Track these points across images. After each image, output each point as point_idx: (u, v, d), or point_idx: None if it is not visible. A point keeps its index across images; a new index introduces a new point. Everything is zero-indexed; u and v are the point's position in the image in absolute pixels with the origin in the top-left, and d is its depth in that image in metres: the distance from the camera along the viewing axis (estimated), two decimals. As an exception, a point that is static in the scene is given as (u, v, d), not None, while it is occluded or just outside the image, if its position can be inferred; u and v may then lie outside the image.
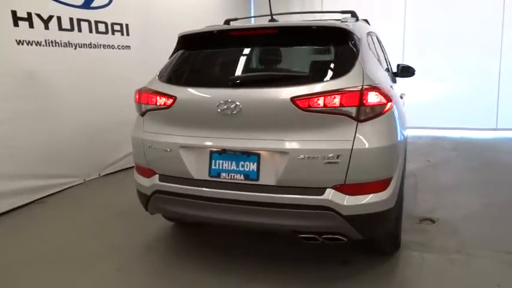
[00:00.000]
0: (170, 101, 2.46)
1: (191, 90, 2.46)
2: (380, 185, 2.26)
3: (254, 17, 3.46)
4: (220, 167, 2.39)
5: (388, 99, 2.22)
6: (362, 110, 2.16)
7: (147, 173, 2.66)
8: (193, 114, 2.44)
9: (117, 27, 5.09)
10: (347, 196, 2.21)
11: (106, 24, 4.91)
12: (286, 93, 2.21)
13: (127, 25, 5.21)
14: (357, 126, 2.18)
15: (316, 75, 2.34)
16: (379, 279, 2.58)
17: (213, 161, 2.41)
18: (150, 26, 5.64)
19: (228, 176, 2.37)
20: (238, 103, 2.25)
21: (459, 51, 7.04)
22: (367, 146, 2.17)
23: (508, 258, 2.76)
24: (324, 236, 2.31)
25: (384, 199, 2.26)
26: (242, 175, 2.34)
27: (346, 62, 2.32)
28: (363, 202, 2.22)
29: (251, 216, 2.36)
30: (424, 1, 7.31)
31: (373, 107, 2.17)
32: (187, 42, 2.74)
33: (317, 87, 2.19)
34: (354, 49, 2.38)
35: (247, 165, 2.34)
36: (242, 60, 2.60)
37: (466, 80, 7.12)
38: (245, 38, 2.57)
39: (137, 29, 5.35)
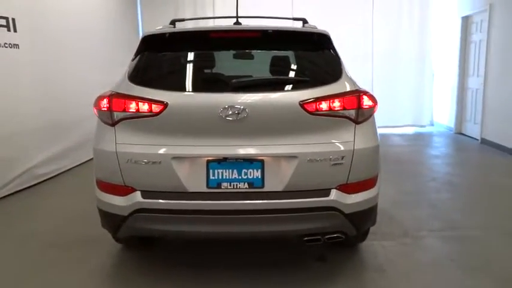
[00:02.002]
0: (159, 107, 2.19)
1: (187, 95, 2.23)
2: (371, 182, 2.43)
3: (201, 18, 3.29)
4: (220, 177, 2.24)
5: (375, 102, 2.42)
6: (360, 113, 2.30)
7: (122, 190, 2.30)
8: (189, 121, 2.22)
9: (2, 22, 4.20)
10: (348, 195, 2.31)
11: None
12: (294, 97, 2.20)
13: (13, 19, 4.35)
14: (355, 128, 2.31)
15: (315, 80, 2.38)
16: (359, 267, 2.78)
17: (211, 171, 2.23)
18: (43, 23, 4.85)
19: (230, 185, 2.23)
20: (245, 108, 2.15)
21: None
22: (364, 146, 2.32)
23: (443, 235, 3.28)
24: (326, 236, 2.38)
25: (374, 195, 2.45)
26: (246, 183, 2.23)
27: (335, 66, 2.44)
28: (360, 199, 2.36)
29: (256, 226, 2.28)
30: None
31: (367, 109, 2.33)
32: (163, 42, 2.47)
33: (321, 91, 2.24)
34: (335, 54, 2.52)
35: (250, 172, 2.24)
36: (234, 63, 2.48)
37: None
38: (234, 40, 2.46)
39: (27, 25, 4.51)
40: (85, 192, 4.40)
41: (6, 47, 4.26)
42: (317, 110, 2.21)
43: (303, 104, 2.20)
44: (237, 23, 2.83)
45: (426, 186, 4.66)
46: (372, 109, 2.38)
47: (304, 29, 2.48)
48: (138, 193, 2.26)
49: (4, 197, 4.20)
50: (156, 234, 2.44)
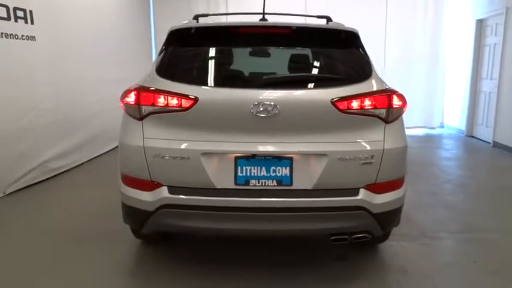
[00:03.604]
0: (189, 102, 2.17)
1: (217, 90, 2.22)
2: (399, 183, 2.41)
3: (226, 14, 3.26)
4: (249, 174, 2.22)
5: (405, 102, 2.40)
6: (390, 112, 2.28)
7: (149, 185, 2.28)
8: (219, 117, 2.20)
9: (20, 13, 4.19)
10: (376, 195, 2.29)
11: (7, 8, 4.00)
12: (325, 95, 2.18)
13: (31, 12, 4.33)
14: (385, 128, 2.29)
15: (346, 78, 2.36)
16: (381, 268, 2.76)
17: (240, 168, 2.22)
18: (59, 15, 4.84)
19: (259, 182, 2.21)
20: (276, 105, 2.13)
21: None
22: (394, 146, 2.30)
23: (462, 237, 3.26)
24: (353, 236, 2.36)
25: (400, 196, 2.42)
26: (275, 181, 2.22)
27: (364, 65, 2.42)
28: (388, 200, 2.33)
29: (283, 224, 2.26)
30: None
31: (397, 109, 2.31)
32: (191, 36, 2.45)
33: (352, 90, 2.22)
34: (364, 52, 2.50)
35: (279, 170, 2.22)
36: (262, 59, 2.46)
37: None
38: (263, 36, 2.43)
39: (43, 17, 4.50)
40: (98, 187, 4.43)
41: (24, 39, 4.25)
42: (348, 108, 2.19)
43: (334, 102, 2.17)
44: (263, 19, 2.81)
45: (441, 187, 4.63)
46: (401, 109, 2.36)
47: (334, 27, 2.45)
48: (165, 188, 2.25)
49: (17, 190, 4.19)
50: (181, 230, 2.42)
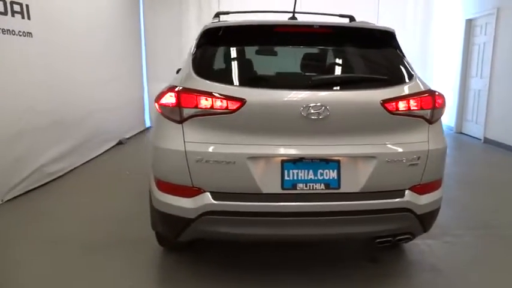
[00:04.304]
0: (236, 104, 2.07)
1: (266, 92, 2.13)
2: (438, 184, 2.41)
3: (246, 12, 3.16)
4: (296, 178, 2.15)
5: (445, 102, 2.39)
6: (434, 113, 2.27)
7: (189, 192, 2.17)
8: (267, 119, 2.11)
9: (17, 8, 3.93)
10: (420, 196, 2.28)
11: (4, 1, 3.74)
12: (375, 96, 2.14)
13: (27, 6, 4.08)
14: (429, 129, 2.27)
15: (393, 79, 2.32)
16: (413, 267, 2.77)
17: (286, 171, 2.15)
18: (54, 10, 4.59)
19: (306, 186, 2.15)
20: (326, 106, 2.07)
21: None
22: (437, 146, 2.29)
23: (480, 233, 3.31)
24: (397, 238, 2.34)
25: (440, 197, 2.42)
26: (322, 184, 2.16)
27: (405, 65, 2.39)
28: (431, 200, 2.33)
29: (330, 228, 2.21)
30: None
31: (439, 109, 2.30)
32: (229, 35, 2.35)
33: (400, 90, 2.20)
34: (402, 52, 2.48)
35: (326, 173, 2.17)
36: (301, 60, 2.38)
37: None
38: (301, 35, 2.36)
39: (40, 12, 4.25)
40: (100, 191, 4.26)
41: (20, 35, 4.00)
42: (397, 109, 2.16)
43: (383, 103, 2.14)
44: (293, 18, 2.74)
45: (444, 184, 4.70)
46: (442, 109, 2.35)
47: (373, 26, 2.41)
48: (208, 194, 2.15)
49: (15, 197, 3.94)
50: (223, 237, 2.33)
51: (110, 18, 6.35)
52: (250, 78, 2.32)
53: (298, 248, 2.97)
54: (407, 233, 2.35)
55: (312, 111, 2.06)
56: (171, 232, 2.34)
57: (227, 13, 3.08)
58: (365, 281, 2.59)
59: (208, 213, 2.14)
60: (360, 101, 2.17)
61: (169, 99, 2.17)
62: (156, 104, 2.27)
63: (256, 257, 2.86)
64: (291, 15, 2.86)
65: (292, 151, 2.14)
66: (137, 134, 7.58)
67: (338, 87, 2.19)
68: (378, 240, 2.33)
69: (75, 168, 5.04)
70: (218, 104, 2.08)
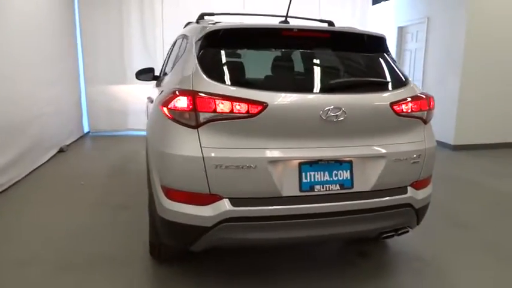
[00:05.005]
0: (257, 108, 2.03)
1: (287, 95, 2.11)
2: (430, 179, 2.61)
3: (231, 14, 3.04)
4: (313, 179, 2.18)
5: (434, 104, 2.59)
6: (428, 114, 2.45)
7: (205, 199, 2.09)
8: (287, 123, 2.10)
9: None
10: (418, 191, 2.45)
11: None
12: (386, 98, 2.26)
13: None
14: (424, 128, 2.45)
15: (395, 82, 2.43)
16: (399, 257, 2.96)
17: (304, 174, 2.16)
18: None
19: (323, 187, 2.19)
20: (343, 109, 2.12)
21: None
22: (431, 144, 2.48)
23: (454, 224, 3.64)
24: (399, 231, 2.48)
25: (431, 191, 2.62)
26: (338, 185, 2.21)
27: (398, 69, 2.55)
28: (425, 195, 2.51)
29: (344, 227, 2.28)
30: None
31: (432, 111, 2.50)
32: (235, 38, 2.30)
33: (404, 93, 2.34)
34: (392, 57, 2.63)
35: (340, 173, 2.23)
36: (318, 64, 2.42)
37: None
38: (304, 40, 2.39)
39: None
40: (56, 204, 3.92)
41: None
42: (402, 111, 2.30)
43: (392, 105, 2.26)
44: (285, 22, 2.77)
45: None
46: (433, 110, 2.55)
47: (371, 32, 2.53)
48: (226, 201, 2.08)
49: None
50: (240, 243, 2.26)
51: (41, 17, 5.73)
52: (270, 82, 2.30)
53: (289, 250, 3.00)
54: (407, 226, 2.50)
55: (331, 114, 2.10)
56: (183, 242, 2.22)
57: (212, 14, 3.00)
58: (359, 276, 2.70)
59: (228, 220, 2.08)
60: (372, 103, 2.26)
61: (182, 103, 2.06)
62: (163, 108, 2.14)
63: (246, 260, 2.83)
64: (280, 18, 2.90)
65: (311, 153, 2.16)
66: (77, 140, 7.02)
67: (353, 91, 2.27)
68: (384, 236, 2.45)
69: (23, 178, 4.53)
70: (240, 108, 2.03)
